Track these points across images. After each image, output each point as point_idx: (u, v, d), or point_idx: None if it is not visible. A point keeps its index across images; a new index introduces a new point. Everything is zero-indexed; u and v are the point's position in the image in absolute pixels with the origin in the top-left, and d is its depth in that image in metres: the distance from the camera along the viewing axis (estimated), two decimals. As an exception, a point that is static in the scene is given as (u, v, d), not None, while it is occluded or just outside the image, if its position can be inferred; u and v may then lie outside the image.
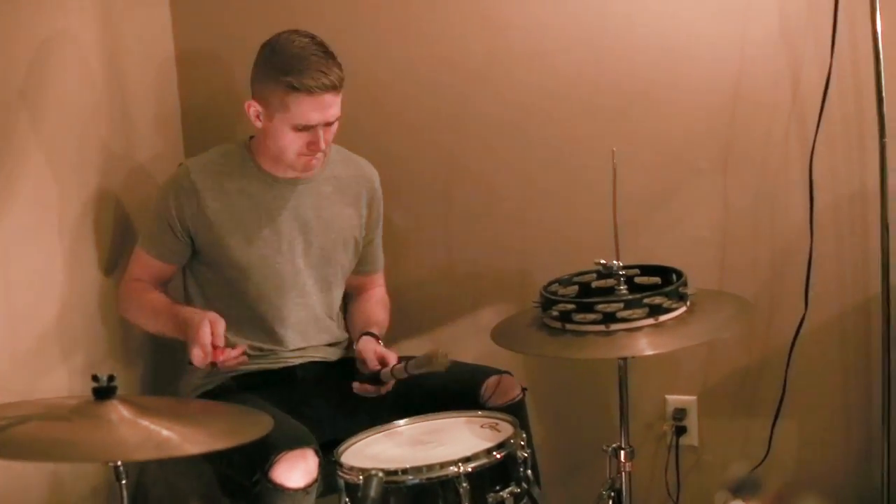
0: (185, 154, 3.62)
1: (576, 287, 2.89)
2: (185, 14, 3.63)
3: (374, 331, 3.14)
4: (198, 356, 2.80)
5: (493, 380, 3.03)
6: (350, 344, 3.26)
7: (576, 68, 3.39)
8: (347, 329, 3.30)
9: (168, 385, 3.33)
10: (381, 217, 3.30)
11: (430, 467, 2.52)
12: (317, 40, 2.95)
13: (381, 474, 2.49)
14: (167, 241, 3.09)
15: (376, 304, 3.32)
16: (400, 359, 2.96)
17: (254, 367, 3.09)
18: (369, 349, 3.02)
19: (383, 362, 2.97)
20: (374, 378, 2.97)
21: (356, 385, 3.00)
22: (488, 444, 2.59)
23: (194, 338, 2.81)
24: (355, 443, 2.75)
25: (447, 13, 3.47)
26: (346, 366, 3.18)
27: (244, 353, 2.87)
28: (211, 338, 2.79)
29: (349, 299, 3.36)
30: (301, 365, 3.16)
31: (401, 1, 3.51)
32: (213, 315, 2.85)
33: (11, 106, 2.85)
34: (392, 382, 2.96)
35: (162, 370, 3.40)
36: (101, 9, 3.25)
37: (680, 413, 3.52)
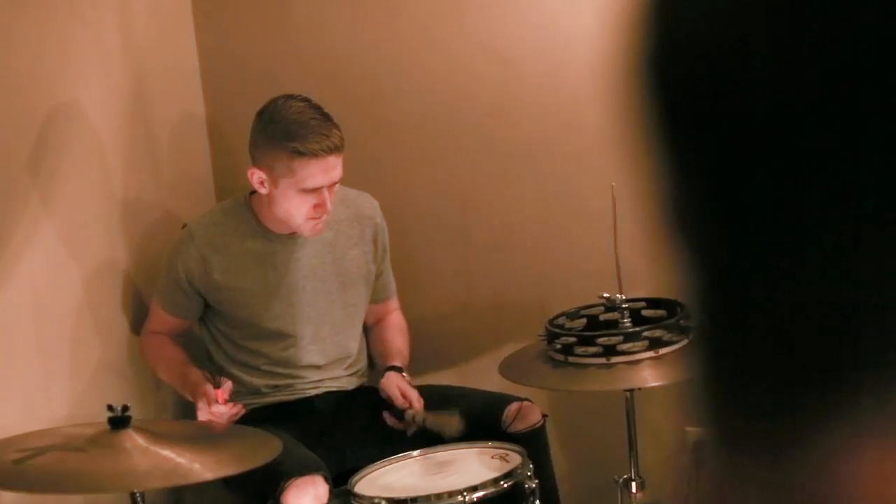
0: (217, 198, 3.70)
1: (584, 320, 2.92)
2: (215, 79, 3.70)
3: (398, 363, 3.16)
4: (202, 414, 2.89)
5: (514, 406, 3.04)
6: (368, 370, 3.32)
7: (584, 103, 3.35)
8: (370, 356, 3.33)
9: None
10: (388, 246, 3.30)
11: (438, 496, 2.58)
12: (312, 103, 2.95)
13: (386, 504, 2.55)
14: (180, 300, 3.14)
15: (395, 332, 3.33)
16: (422, 398, 3.02)
17: (269, 399, 3.15)
18: (393, 385, 3.06)
19: (406, 397, 3.02)
20: (400, 414, 3.02)
21: (388, 417, 3.05)
22: (496, 474, 2.64)
23: (200, 398, 2.90)
24: (369, 473, 2.81)
25: (459, 47, 3.50)
26: (364, 394, 3.23)
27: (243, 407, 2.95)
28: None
29: (368, 328, 3.36)
30: (318, 395, 3.18)
31: (414, 33, 3.54)
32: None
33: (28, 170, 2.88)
34: (414, 428, 2.99)
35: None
36: (131, 69, 3.35)
37: (700, 446, 3.52)
